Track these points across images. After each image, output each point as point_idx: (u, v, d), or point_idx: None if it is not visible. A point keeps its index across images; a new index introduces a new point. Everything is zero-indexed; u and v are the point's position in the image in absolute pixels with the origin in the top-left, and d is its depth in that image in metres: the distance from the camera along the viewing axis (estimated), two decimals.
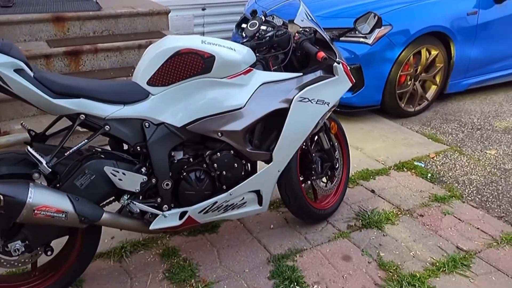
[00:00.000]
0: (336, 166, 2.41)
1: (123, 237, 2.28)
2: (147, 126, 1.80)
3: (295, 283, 2.03)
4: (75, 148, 1.69)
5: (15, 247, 1.66)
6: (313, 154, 2.29)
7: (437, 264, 2.16)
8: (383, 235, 2.38)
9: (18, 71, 1.54)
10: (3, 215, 1.54)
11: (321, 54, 1.88)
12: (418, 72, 3.90)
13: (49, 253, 1.77)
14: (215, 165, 1.94)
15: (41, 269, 1.89)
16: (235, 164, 1.98)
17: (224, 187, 2.00)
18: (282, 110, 1.98)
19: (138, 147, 1.80)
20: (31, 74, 1.58)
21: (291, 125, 2.00)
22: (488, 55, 4.23)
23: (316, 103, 2.04)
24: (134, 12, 3.83)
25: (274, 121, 2.01)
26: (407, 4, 3.73)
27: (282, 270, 2.10)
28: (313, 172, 2.30)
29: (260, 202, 2.13)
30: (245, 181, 2.02)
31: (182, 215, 1.94)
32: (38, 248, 1.75)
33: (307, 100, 2.01)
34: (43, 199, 1.58)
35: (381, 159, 3.17)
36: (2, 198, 1.50)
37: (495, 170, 3.10)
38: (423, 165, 3.12)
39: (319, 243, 2.32)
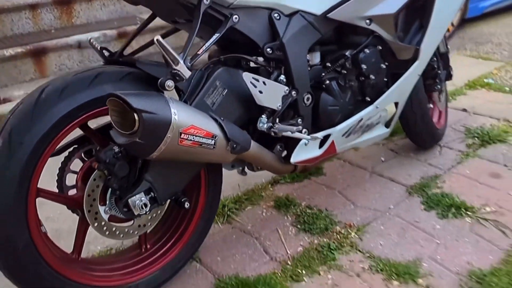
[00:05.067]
0: (451, 74, 2.02)
1: None
2: (277, 17, 1.29)
3: (464, 209, 1.62)
4: (208, 43, 1.14)
5: (138, 201, 1.11)
6: (434, 58, 1.87)
7: None
8: None
9: None
10: (140, 145, 0.98)
11: None
12: None
13: (186, 204, 1.22)
14: (363, 66, 1.46)
15: (153, 241, 1.33)
16: (382, 66, 1.52)
17: (368, 98, 1.54)
18: None
19: (269, 49, 1.28)
20: None
21: (440, 9, 1.56)
22: None
23: None
24: None
25: (413, 9, 1.57)
26: None
27: (437, 199, 1.68)
28: (437, 81, 1.88)
29: (387, 125, 1.69)
30: (390, 89, 1.56)
31: (323, 141, 1.46)
32: (162, 203, 1.19)
33: None
34: (189, 117, 1.03)
35: (448, 82, 2.82)
36: (138, 117, 0.95)
37: None
38: (493, 81, 2.82)
39: (450, 167, 1.92)
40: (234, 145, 1.14)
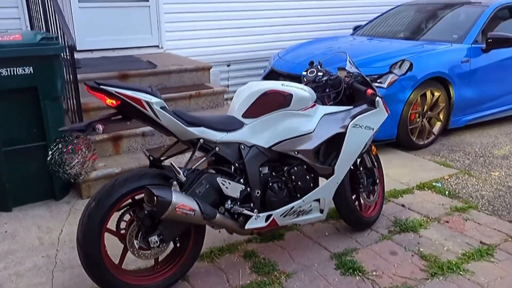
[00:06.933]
0: (377, 181, 2.99)
1: (209, 244, 2.78)
2: (243, 148, 2.39)
3: (358, 271, 2.54)
4: (197, 164, 2.26)
5: (154, 239, 2.19)
6: (360, 171, 2.87)
7: (467, 254, 2.69)
8: (419, 236, 2.92)
9: (163, 108, 2.14)
10: (155, 211, 2.08)
11: (370, 91, 2.53)
12: (425, 110, 4.58)
13: (178, 244, 2.30)
14: (293, 177, 2.51)
15: (162, 263, 2.39)
16: (307, 177, 2.56)
17: (298, 195, 2.56)
18: (340, 134, 2.59)
19: (237, 164, 2.38)
20: (170, 110, 2.18)
21: (348, 145, 2.60)
22: (481, 95, 4.95)
23: (365, 128, 2.66)
24: (182, 68, 4.51)
25: (333, 143, 2.62)
26: (413, 54, 4.47)
27: (344, 263, 2.61)
28: (361, 186, 2.87)
29: (321, 211, 2.69)
30: (314, 190, 2.58)
31: (267, 218, 2.48)
32: (167, 242, 2.27)
33: (358, 126, 2.63)
34: (181, 200, 2.13)
35: (405, 182, 3.76)
36: (156, 198, 2.05)
37: (501, 187, 3.69)
38: (440, 185, 3.70)
39: (369, 244, 2.85)
40: (205, 215, 2.21)
